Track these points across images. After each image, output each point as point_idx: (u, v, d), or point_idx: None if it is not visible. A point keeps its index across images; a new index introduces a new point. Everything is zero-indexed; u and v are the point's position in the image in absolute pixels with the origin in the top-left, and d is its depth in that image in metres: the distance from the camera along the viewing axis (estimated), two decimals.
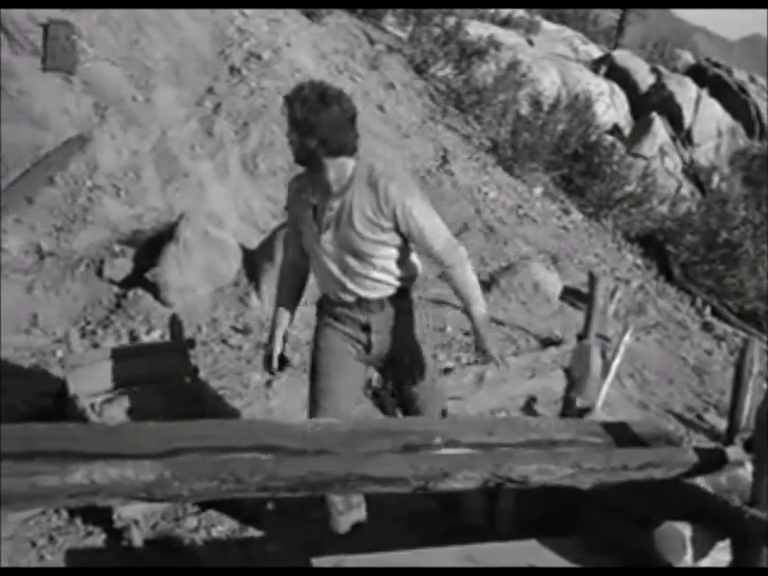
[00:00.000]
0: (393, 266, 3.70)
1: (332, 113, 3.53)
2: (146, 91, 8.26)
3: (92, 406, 4.09)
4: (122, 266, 6.56)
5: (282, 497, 2.66)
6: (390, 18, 14.15)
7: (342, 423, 2.89)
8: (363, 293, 3.70)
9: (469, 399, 5.64)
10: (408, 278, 3.78)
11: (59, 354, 5.58)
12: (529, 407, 5.73)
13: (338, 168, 3.60)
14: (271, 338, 3.89)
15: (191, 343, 4.75)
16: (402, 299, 3.77)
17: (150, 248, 6.68)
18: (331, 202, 3.61)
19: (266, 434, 2.55)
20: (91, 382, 4.21)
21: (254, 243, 7.07)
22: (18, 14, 7.90)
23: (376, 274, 3.68)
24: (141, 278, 6.40)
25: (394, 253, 3.67)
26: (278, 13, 10.85)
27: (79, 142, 7.34)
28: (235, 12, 10.11)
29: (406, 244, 3.68)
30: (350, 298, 3.72)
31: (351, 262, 3.65)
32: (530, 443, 3.00)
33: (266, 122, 8.64)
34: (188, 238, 6.51)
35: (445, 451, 2.81)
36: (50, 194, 6.94)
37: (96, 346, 5.75)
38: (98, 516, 3.76)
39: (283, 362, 3.90)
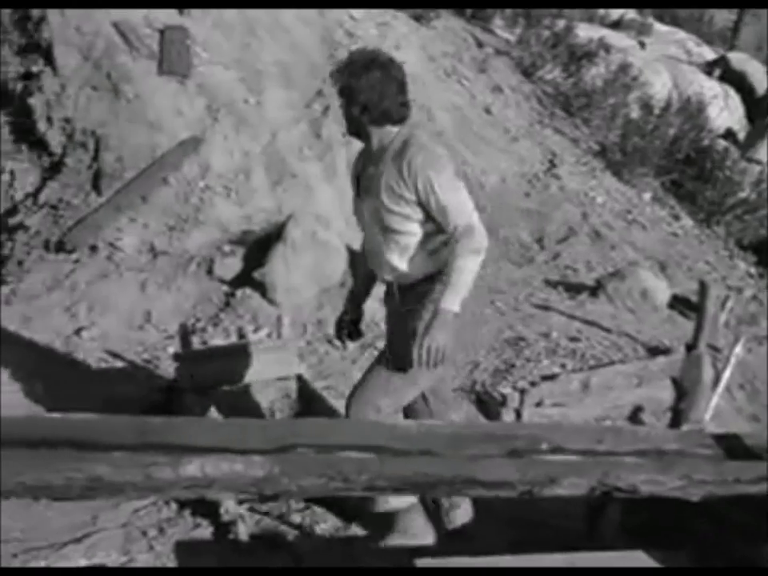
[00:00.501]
0: (418, 246, 3.48)
1: (373, 78, 3.42)
2: (257, 94, 8.41)
3: (201, 402, 4.19)
4: (231, 266, 6.69)
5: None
6: (498, 21, 14.07)
7: (446, 425, 2.89)
8: (388, 275, 3.58)
9: (573, 406, 5.58)
10: (434, 265, 3.49)
11: (170, 349, 5.73)
12: (635, 416, 5.63)
13: (383, 136, 3.47)
14: (346, 309, 3.85)
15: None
16: (423, 286, 3.51)
17: (258, 248, 6.80)
18: (368, 170, 3.52)
19: (373, 434, 2.56)
20: (201, 377, 4.31)
21: (358, 245, 7.12)
22: (136, 20, 8.15)
23: (399, 253, 3.50)
24: (249, 277, 6.52)
25: (418, 230, 3.45)
26: (387, 16, 10.90)
27: (193, 143, 7.51)
28: (344, 16, 10.20)
29: (434, 223, 3.44)
30: (386, 276, 3.61)
31: (379, 237, 3.52)
32: (638, 452, 2.94)
33: None
34: (296, 238, 6.61)
35: (551, 457, 2.78)
36: (163, 194, 7.12)
37: (205, 343, 5.89)
38: (206, 509, 3.85)
39: (357, 333, 3.87)
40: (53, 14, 8.04)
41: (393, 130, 3.47)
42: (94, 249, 6.67)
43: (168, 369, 5.43)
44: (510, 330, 6.77)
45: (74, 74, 7.79)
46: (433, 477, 2.40)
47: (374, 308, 6.58)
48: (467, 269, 3.35)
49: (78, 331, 5.94)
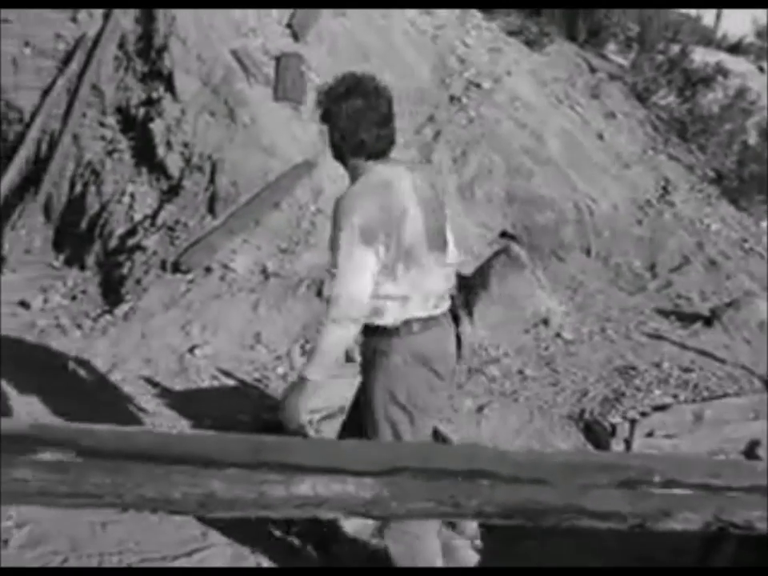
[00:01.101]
0: None
1: (353, 105, 3.23)
2: None
3: (310, 422, 4.24)
4: None
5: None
6: (612, 46, 13.92)
7: (557, 453, 2.86)
8: None
9: (685, 438, 5.43)
10: (373, 314, 3.23)
11: (280, 370, 5.82)
12: (751, 451, 5.45)
13: (356, 168, 3.29)
14: None
15: None
16: (369, 334, 3.32)
17: None
18: None
19: (483, 459, 2.54)
20: (311, 398, 4.34)
21: (468, 269, 7.12)
22: (253, 48, 8.37)
23: None
24: None
25: None
26: (499, 42, 10.91)
27: (305, 168, 7.65)
28: (456, 41, 10.25)
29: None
30: None
31: None
32: (756, 488, 2.85)
33: (484, 149, 8.71)
34: None
35: (664, 490, 2.71)
36: (276, 217, 7.27)
37: None
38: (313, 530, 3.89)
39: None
40: (174, 43, 8.32)
41: (366, 164, 3.27)
42: (208, 270, 6.84)
43: (277, 388, 5.52)
44: (620, 358, 6.65)
45: (193, 100, 8.04)
46: (543, 505, 2.37)
47: (481, 335, 6.59)
48: (325, 338, 3.16)
49: (191, 349, 6.09)
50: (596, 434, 5.42)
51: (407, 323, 3.26)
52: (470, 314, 6.65)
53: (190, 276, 6.86)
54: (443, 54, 9.94)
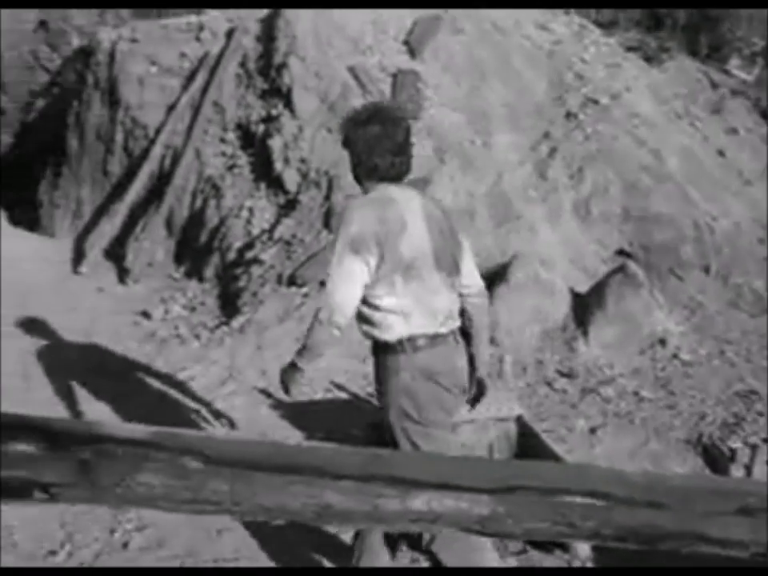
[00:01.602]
0: (365, 312, 3.36)
1: (369, 132, 3.40)
2: (484, 136, 8.51)
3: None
4: None
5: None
6: (735, 61, 13.57)
7: (675, 476, 2.79)
8: None
9: None
10: (377, 328, 3.36)
11: None
12: None
13: (369, 190, 3.45)
14: None
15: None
16: (379, 351, 3.43)
17: None
18: None
19: (599, 480, 2.50)
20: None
21: (583, 287, 7.03)
22: (370, 65, 8.46)
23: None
24: None
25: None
26: (617, 57, 10.76)
27: (421, 183, 7.67)
28: (574, 58, 10.15)
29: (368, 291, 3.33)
30: None
31: None
32: None
33: (600, 167, 8.58)
34: (518, 279, 6.62)
35: None
36: None
37: None
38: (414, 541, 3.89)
39: None
40: (293, 61, 8.49)
41: (378, 185, 3.41)
42: (323, 284, 6.90)
43: None
44: (740, 382, 6.45)
45: (311, 117, 8.18)
46: (661, 530, 2.31)
47: (596, 354, 6.48)
48: (312, 336, 3.34)
49: None
50: (714, 458, 5.27)
51: (412, 340, 3.34)
52: (585, 333, 6.56)
53: (305, 290, 6.96)
54: (560, 70, 9.85)
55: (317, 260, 7.10)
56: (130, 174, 9.48)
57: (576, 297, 6.83)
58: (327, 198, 7.63)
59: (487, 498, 2.25)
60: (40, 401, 5.69)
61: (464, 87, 8.78)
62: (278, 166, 8.09)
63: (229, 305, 7.37)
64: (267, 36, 9.16)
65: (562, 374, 6.26)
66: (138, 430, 2.32)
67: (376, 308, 3.33)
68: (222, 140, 8.94)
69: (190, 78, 9.55)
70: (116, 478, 2.03)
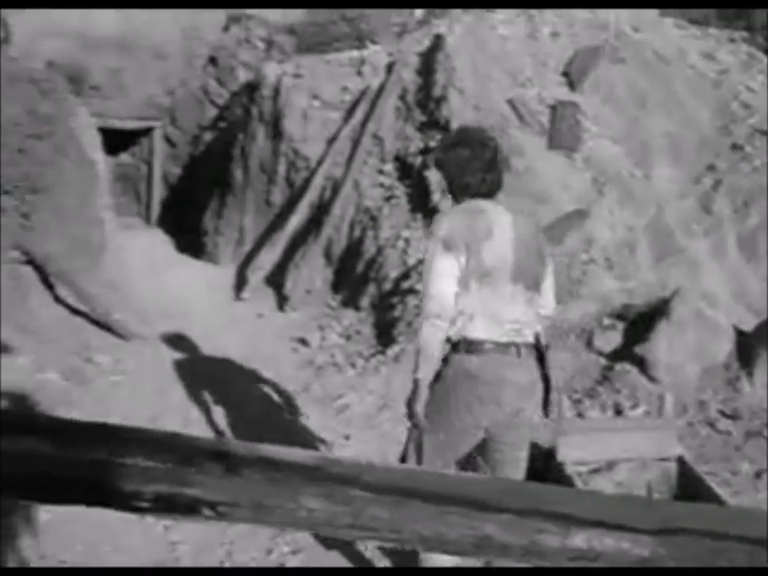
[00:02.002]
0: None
1: (459, 154, 3.68)
2: (644, 168, 8.35)
3: (579, 474, 4.17)
4: (610, 339, 6.64)
5: None
6: None
7: None
8: None
9: None
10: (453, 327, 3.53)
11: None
12: None
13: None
14: None
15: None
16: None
17: (639, 322, 6.69)
18: None
19: (759, 525, 2.40)
20: (579, 450, 4.29)
21: (748, 325, 6.77)
22: (529, 97, 8.45)
23: None
24: (629, 351, 6.42)
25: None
26: None
27: (577, 216, 7.60)
28: (740, 87, 9.85)
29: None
30: None
31: None
32: None
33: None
34: (680, 315, 6.43)
35: None
36: None
37: (580, 415, 5.87)
38: None
39: None
40: (452, 93, 8.56)
41: (470, 200, 3.68)
42: None
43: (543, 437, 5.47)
44: None
45: None
46: None
47: (761, 395, 6.22)
48: (420, 336, 3.55)
49: None
50: None
51: (469, 342, 3.51)
52: (750, 373, 6.30)
53: None
54: (726, 100, 9.56)
55: None
56: (291, 204, 9.75)
57: (740, 335, 6.58)
58: None
59: (649, 539, 2.20)
60: (201, 422, 5.91)
61: (624, 118, 8.65)
62: (435, 197, 8.15)
63: (384, 334, 7.45)
64: (426, 69, 9.28)
65: (726, 415, 6.02)
66: (301, 454, 2.37)
67: (461, 304, 3.52)
68: (381, 171, 9.09)
69: (351, 111, 9.77)
70: (279, 501, 2.09)
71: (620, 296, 7.15)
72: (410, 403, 3.58)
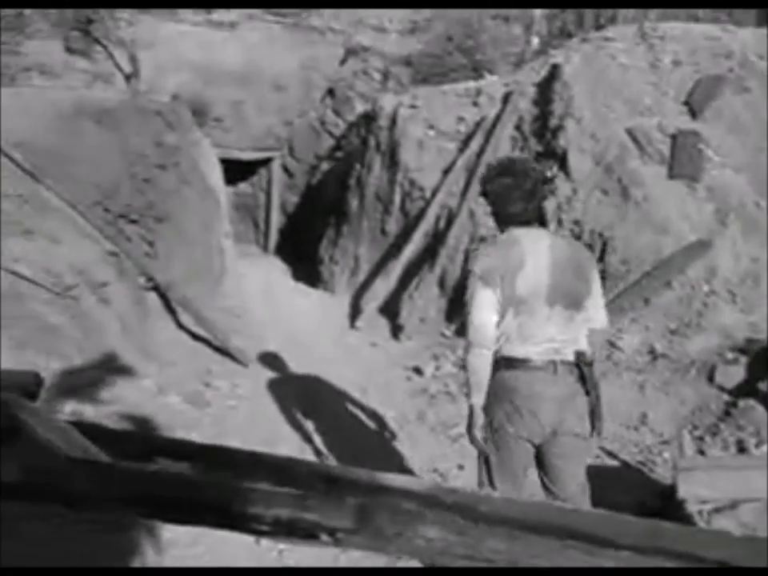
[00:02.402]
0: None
1: (501, 184, 3.89)
2: None
3: (700, 513, 4.05)
4: (733, 374, 6.43)
5: None
6: None
7: None
8: None
9: None
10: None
11: (665, 454, 5.62)
12: None
13: (500, 233, 3.98)
14: None
15: None
16: None
17: (763, 357, 6.46)
18: None
19: None
20: (701, 487, 4.17)
21: None
22: (648, 126, 8.32)
23: None
24: (753, 387, 6.20)
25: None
26: None
27: (699, 247, 7.42)
28: None
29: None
30: None
31: None
32: None
33: None
34: None
35: None
36: (666, 296, 7.09)
37: (701, 452, 5.70)
38: None
39: None
40: (570, 123, 8.50)
41: (512, 228, 3.88)
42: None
43: (663, 474, 5.34)
44: None
45: (586, 179, 8.14)
46: None
47: None
48: (468, 363, 3.85)
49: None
50: None
51: (506, 360, 3.78)
52: None
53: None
54: None
55: None
56: (405, 234, 9.81)
57: None
58: (601, 259, 7.51)
59: None
60: (316, 448, 5.97)
61: (748, 147, 8.42)
62: (551, 227, 8.09)
63: None
64: (543, 99, 9.25)
65: None
66: (418, 482, 2.37)
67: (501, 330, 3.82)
68: None
69: (467, 141, 9.79)
70: (397, 529, 2.09)
71: (743, 329, 6.93)
72: (469, 429, 3.86)
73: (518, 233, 3.84)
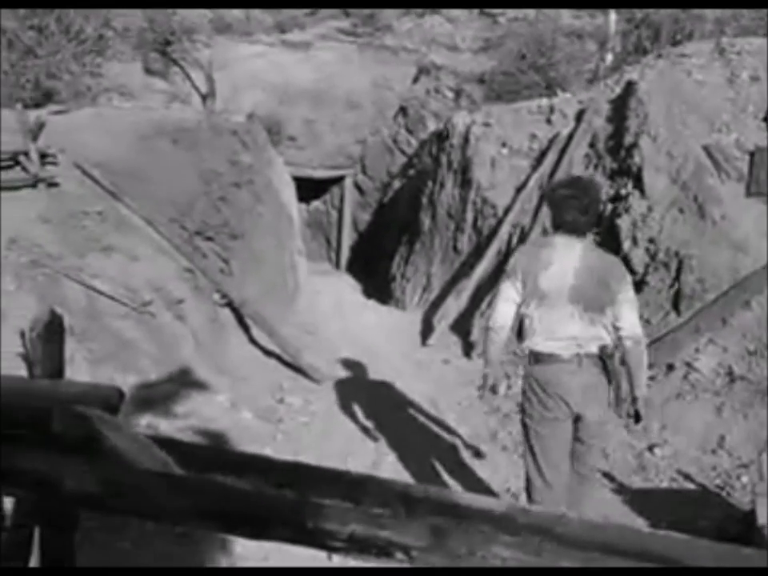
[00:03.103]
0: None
1: (560, 194, 4.38)
2: None
3: None
4: None
5: None
6: None
7: None
8: None
9: None
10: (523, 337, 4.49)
11: (744, 478, 5.50)
12: None
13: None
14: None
15: None
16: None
17: None
18: None
19: None
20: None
21: None
22: (726, 143, 8.16)
23: None
24: None
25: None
26: None
27: None
28: None
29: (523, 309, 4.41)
30: None
31: None
32: None
33: None
34: None
35: None
36: (745, 317, 6.93)
37: None
38: None
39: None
40: (645, 140, 8.40)
41: (556, 234, 4.39)
42: (670, 367, 6.70)
43: (741, 498, 5.22)
44: None
45: (661, 196, 8.02)
46: None
47: None
48: (484, 342, 4.72)
49: (650, 447, 5.98)
50: None
51: (534, 354, 4.36)
52: None
53: (650, 373, 6.76)
54: None
55: (664, 342, 6.89)
56: (478, 252, 9.78)
57: None
58: (676, 278, 7.40)
59: None
60: (389, 465, 5.97)
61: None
62: (626, 245, 7.99)
63: None
64: (618, 116, 9.15)
65: None
66: (492, 502, 2.36)
67: (522, 321, 4.42)
68: None
69: (540, 158, 9.74)
70: (471, 548, 2.08)
71: None
72: (482, 387, 4.65)
73: (559, 239, 4.35)
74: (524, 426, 4.47)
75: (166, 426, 5.67)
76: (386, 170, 16.22)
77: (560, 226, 4.33)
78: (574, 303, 4.22)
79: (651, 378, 6.71)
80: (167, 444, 2.18)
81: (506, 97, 14.23)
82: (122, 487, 2.01)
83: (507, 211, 9.56)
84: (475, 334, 8.72)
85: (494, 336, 4.43)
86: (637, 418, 4.39)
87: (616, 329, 4.26)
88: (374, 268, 14.22)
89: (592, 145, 9.31)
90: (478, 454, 6.28)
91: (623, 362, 4.33)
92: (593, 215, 4.39)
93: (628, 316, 4.27)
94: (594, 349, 4.25)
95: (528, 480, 4.46)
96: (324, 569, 4.28)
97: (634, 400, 4.35)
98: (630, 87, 9.23)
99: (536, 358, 4.32)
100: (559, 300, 4.23)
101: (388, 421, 6.88)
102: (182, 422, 5.86)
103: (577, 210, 4.25)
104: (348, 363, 8.00)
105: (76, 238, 6.85)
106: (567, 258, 4.26)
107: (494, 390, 4.69)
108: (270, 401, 6.94)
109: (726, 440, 6.01)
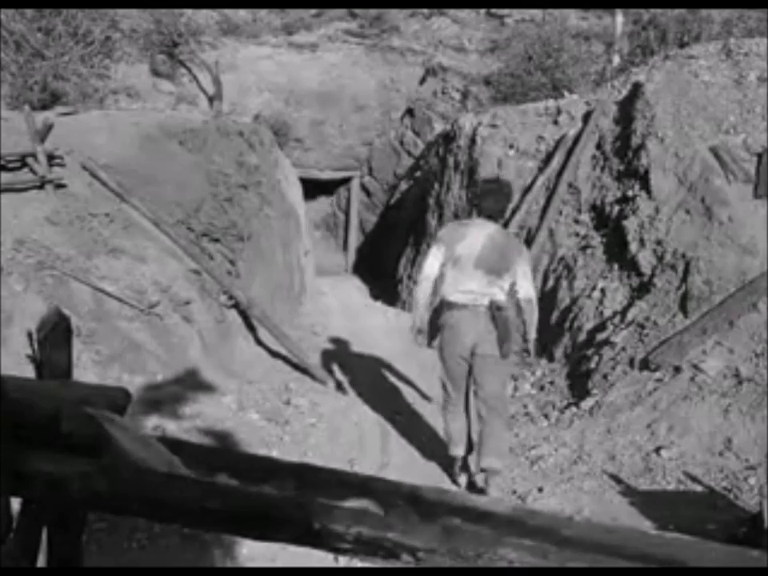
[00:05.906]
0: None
1: (480, 189, 6.34)
2: None
3: None
4: None
5: None
6: None
7: None
8: None
9: None
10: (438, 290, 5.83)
11: (752, 480, 5.48)
12: None
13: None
14: None
15: None
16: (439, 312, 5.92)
17: None
18: None
19: None
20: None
21: None
22: (733, 144, 8.15)
23: None
24: None
25: None
26: None
27: None
28: None
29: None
30: None
31: None
32: None
33: None
34: None
35: None
36: (752, 319, 6.91)
37: None
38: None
39: None
40: (652, 142, 8.39)
41: (477, 218, 5.90)
42: (677, 369, 6.69)
43: (749, 500, 5.20)
44: None
45: (668, 198, 8.01)
46: None
47: None
48: (414, 292, 6.32)
49: (657, 449, 5.97)
50: None
51: (446, 303, 5.70)
52: None
53: (657, 374, 6.76)
54: None
55: (671, 344, 6.87)
56: None
57: None
58: (684, 280, 7.38)
59: None
60: (398, 468, 5.97)
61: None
62: (633, 247, 7.98)
63: (578, 386, 7.32)
64: (625, 117, 9.14)
65: None
66: (498, 504, 2.36)
67: (441, 277, 5.72)
68: (576, 221, 8.99)
69: (546, 160, 9.74)
70: (477, 550, 2.08)
71: None
72: (412, 332, 5.87)
73: (477, 221, 5.81)
74: (440, 357, 5.82)
75: (172, 427, 5.67)
76: (393, 171, 16.23)
77: (480, 211, 5.79)
78: (478, 268, 5.58)
79: (659, 380, 6.72)
80: (174, 445, 2.18)
81: (512, 98, 14.23)
82: (130, 488, 2.01)
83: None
84: None
85: (421, 284, 5.74)
86: (528, 354, 6.71)
87: (515, 292, 5.70)
88: (380, 269, 14.22)
89: (599, 146, 9.30)
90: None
91: (519, 315, 5.85)
92: (504, 206, 5.94)
93: (523, 283, 5.71)
94: (486, 302, 5.57)
95: (442, 394, 5.94)
96: (330, 569, 4.28)
97: (527, 342, 6.03)
98: (636, 88, 9.22)
99: (447, 305, 5.69)
100: (467, 264, 5.60)
101: (395, 422, 6.88)
102: (188, 423, 5.87)
103: (493, 200, 5.76)
104: (355, 365, 8.00)
105: (83, 239, 6.86)
106: (480, 234, 5.66)
107: (419, 331, 5.81)
108: (277, 402, 6.95)
109: (733, 442, 5.99)
